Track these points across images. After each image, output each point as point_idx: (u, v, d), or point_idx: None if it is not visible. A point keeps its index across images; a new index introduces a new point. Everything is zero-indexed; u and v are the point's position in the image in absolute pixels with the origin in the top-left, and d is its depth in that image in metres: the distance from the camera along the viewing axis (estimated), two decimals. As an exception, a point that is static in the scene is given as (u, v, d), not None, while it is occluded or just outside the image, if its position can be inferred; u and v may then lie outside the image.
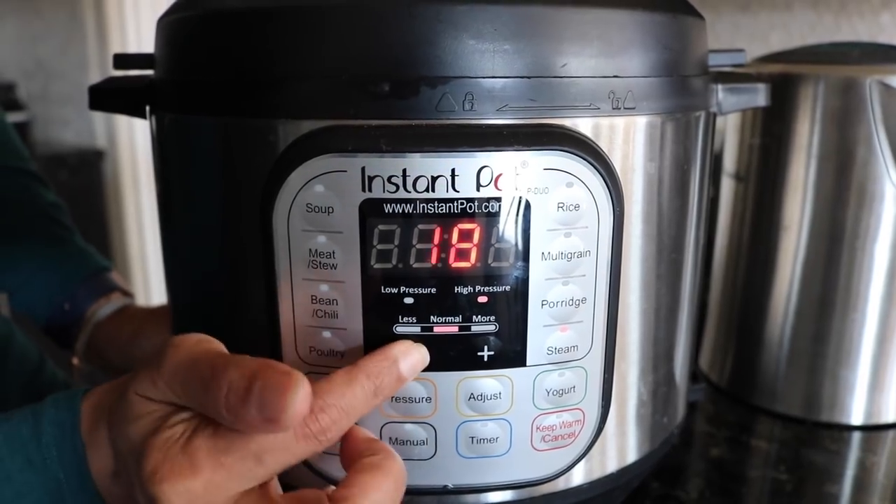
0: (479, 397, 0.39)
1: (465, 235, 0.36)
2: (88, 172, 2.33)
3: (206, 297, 0.44)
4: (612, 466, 0.45)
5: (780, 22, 1.44)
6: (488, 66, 0.35)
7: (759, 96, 0.49)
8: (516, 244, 0.36)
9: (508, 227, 0.36)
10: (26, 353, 0.70)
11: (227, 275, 0.42)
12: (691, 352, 0.52)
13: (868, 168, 0.60)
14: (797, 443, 0.63)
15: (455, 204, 0.35)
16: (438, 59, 0.35)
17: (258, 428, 0.32)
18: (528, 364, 0.39)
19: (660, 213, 0.42)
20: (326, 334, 0.38)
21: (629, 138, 0.39)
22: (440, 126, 0.35)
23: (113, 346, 0.68)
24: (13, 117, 2.49)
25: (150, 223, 2.25)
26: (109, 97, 0.48)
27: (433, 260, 0.36)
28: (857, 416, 0.65)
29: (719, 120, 0.49)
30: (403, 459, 0.39)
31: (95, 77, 2.25)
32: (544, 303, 0.38)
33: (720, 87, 0.47)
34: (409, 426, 0.39)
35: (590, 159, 0.36)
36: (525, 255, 0.37)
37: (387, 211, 0.35)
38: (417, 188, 0.35)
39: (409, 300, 0.37)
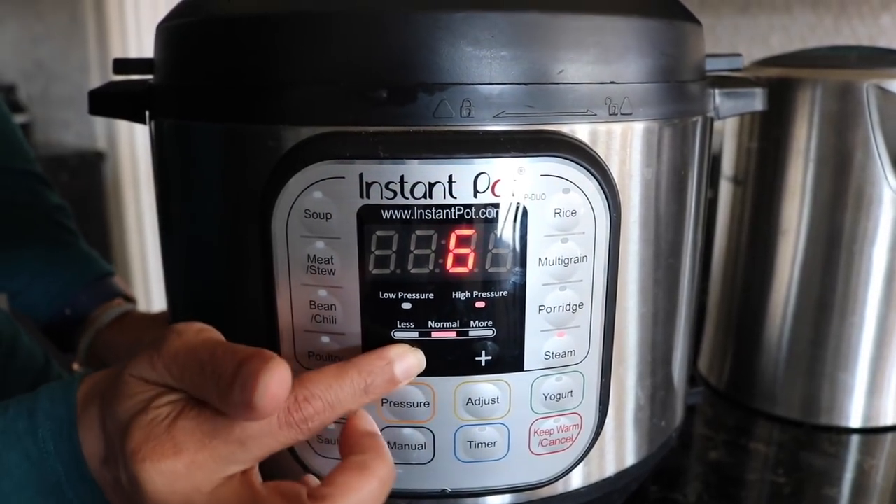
0: (477, 402, 0.39)
1: (463, 241, 0.36)
2: (89, 174, 2.33)
3: (204, 302, 0.45)
4: (610, 470, 0.45)
5: (780, 24, 1.44)
6: (486, 72, 0.35)
7: (757, 101, 0.49)
8: (513, 250, 0.37)
9: (506, 233, 0.36)
10: (32, 353, 0.70)
11: (225, 279, 0.42)
12: (689, 355, 0.52)
13: (865, 172, 0.60)
14: (795, 446, 0.63)
15: (452, 210, 0.36)
16: (436, 66, 0.35)
17: (242, 413, 0.32)
18: (525, 369, 0.39)
19: (657, 218, 0.42)
20: (325, 339, 0.38)
21: (626, 144, 0.39)
22: (438, 132, 0.35)
23: (114, 352, 0.68)
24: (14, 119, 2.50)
25: (151, 225, 2.25)
26: (109, 102, 0.48)
27: (431, 265, 0.36)
28: (855, 419, 0.66)
29: (717, 123, 0.49)
30: (402, 464, 0.40)
31: (96, 79, 2.26)
32: (542, 308, 0.38)
33: (717, 91, 0.47)
34: (407, 430, 0.39)
35: (586, 165, 0.37)
36: (522, 261, 0.37)
37: (385, 217, 0.36)
38: (415, 194, 0.35)
39: (406, 305, 0.37)
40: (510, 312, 0.38)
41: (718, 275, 0.74)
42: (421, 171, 0.35)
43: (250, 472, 0.35)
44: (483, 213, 0.36)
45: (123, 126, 2.24)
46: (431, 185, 0.35)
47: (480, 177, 0.35)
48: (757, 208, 0.68)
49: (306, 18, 0.36)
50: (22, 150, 0.76)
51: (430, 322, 0.37)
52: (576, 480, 0.44)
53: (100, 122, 2.33)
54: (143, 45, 2.17)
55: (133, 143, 2.28)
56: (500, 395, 0.39)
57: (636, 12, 0.39)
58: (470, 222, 0.36)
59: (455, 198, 0.35)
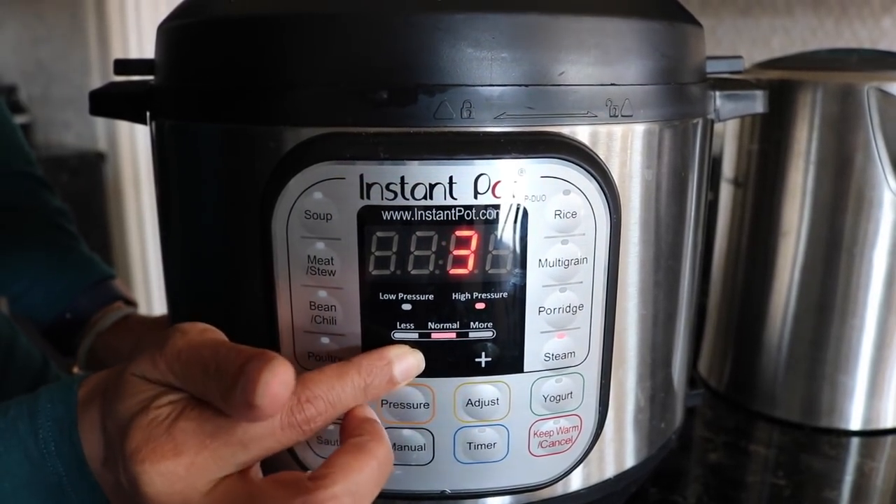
0: (477, 403, 0.39)
1: (463, 242, 0.36)
2: (89, 175, 2.33)
3: (204, 302, 0.45)
4: (609, 472, 0.45)
5: (782, 26, 1.44)
6: (486, 74, 0.35)
7: (758, 103, 0.49)
8: (514, 251, 0.37)
9: (506, 235, 0.36)
10: (30, 354, 0.70)
11: (225, 280, 0.42)
12: (689, 357, 0.52)
13: (866, 174, 0.61)
14: (796, 448, 0.63)
15: (453, 211, 0.36)
16: (436, 67, 0.35)
17: (244, 414, 0.32)
18: (525, 370, 0.39)
19: (657, 219, 0.42)
20: (325, 340, 0.38)
21: (627, 146, 0.39)
22: (438, 134, 0.35)
23: (114, 356, 0.68)
24: (14, 120, 2.50)
25: (151, 225, 2.25)
26: (110, 103, 0.48)
27: (431, 267, 0.36)
28: (855, 422, 0.66)
29: (718, 125, 0.49)
30: (401, 465, 0.40)
31: (97, 80, 2.26)
32: (541, 309, 0.38)
33: (718, 93, 0.47)
34: (406, 432, 0.39)
35: (587, 167, 0.37)
36: (522, 262, 0.37)
37: (385, 218, 0.36)
38: (415, 195, 0.35)
39: (406, 306, 0.37)
40: (510, 314, 0.38)
41: (718, 276, 0.74)
42: (421, 172, 0.35)
43: (249, 468, 0.35)
44: (483, 215, 0.36)
45: (124, 127, 2.24)
46: (432, 187, 0.35)
47: (481, 178, 0.35)
48: (757, 210, 0.68)
49: (307, 20, 0.36)
50: (23, 152, 0.76)
51: (429, 323, 0.37)
52: (575, 482, 0.44)
53: (100, 123, 2.33)
54: (143, 45, 2.17)
55: (134, 144, 2.28)
56: (499, 396, 0.39)
57: (637, 14, 0.39)
58: (470, 223, 0.36)
59: (455, 199, 0.35)
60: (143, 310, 0.74)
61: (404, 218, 0.36)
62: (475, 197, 0.36)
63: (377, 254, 0.36)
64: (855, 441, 0.65)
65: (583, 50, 0.37)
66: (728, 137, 0.71)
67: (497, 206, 0.36)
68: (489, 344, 0.38)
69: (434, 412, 0.39)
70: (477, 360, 0.38)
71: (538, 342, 0.38)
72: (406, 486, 0.40)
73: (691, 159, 0.44)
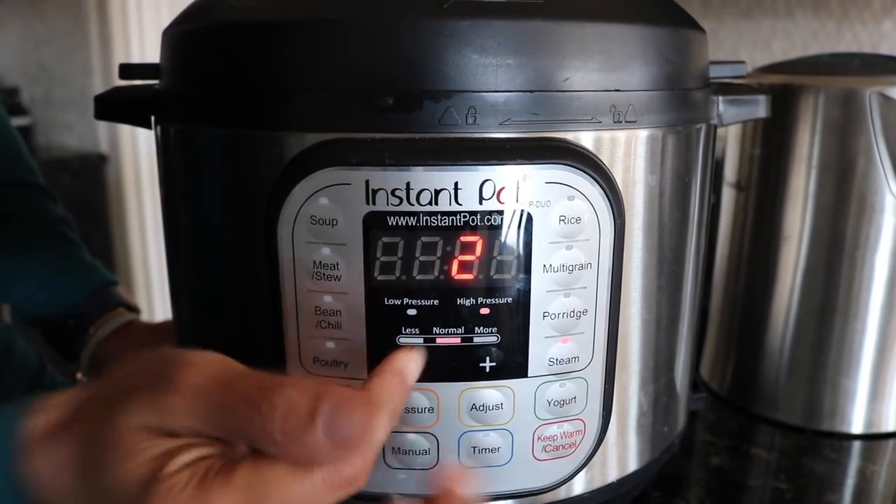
0: (481, 408, 0.39)
1: (468, 248, 0.36)
2: (91, 177, 2.33)
3: (210, 307, 0.45)
4: (612, 476, 0.45)
5: (783, 29, 1.44)
6: (491, 80, 0.36)
7: (760, 108, 0.49)
8: (518, 257, 0.37)
9: (510, 240, 0.36)
10: (27, 356, 0.71)
11: (231, 285, 0.42)
12: (692, 361, 0.52)
13: (868, 179, 0.61)
14: (797, 451, 0.63)
15: (458, 217, 0.36)
16: (442, 73, 0.35)
17: (323, 455, 0.28)
18: (529, 375, 0.39)
19: (661, 225, 0.42)
20: (330, 344, 0.38)
21: (630, 151, 0.39)
22: (443, 140, 0.36)
23: (116, 362, 0.68)
24: (16, 121, 2.50)
25: (153, 228, 2.25)
26: (115, 107, 0.49)
27: (436, 272, 0.37)
28: (857, 425, 0.66)
29: (720, 129, 0.49)
30: (406, 468, 0.40)
31: (98, 82, 2.26)
32: (546, 314, 0.38)
33: (721, 99, 0.47)
34: (411, 436, 0.39)
35: (591, 173, 0.37)
36: (527, 268, 0.37)
37: (390, 223, 0.36)
38: (421, 201, 0.35)
39: (412, 311, 0.37)
40: (514, 319, 0.38)
41: (720, 280, 0.74)
42: (427, 178, 0.35)
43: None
44: (488, 220, 0.36)
45: (125, 129, 2.24)
46: (437, 192, 0.35)
47: (486, 184, 0.35)
48: (759, 214, 0.68)
49: (313, 25, 0.36)
50: (24, 161, 0.76)
51: (434, 328, 0.37)
52: (578, 486, 0.44)
53: (102, 125, 2.33)
54: (145, 48, 2.17)
55: (135, 146, 2.28)
56: (504, 401, 0.39)
57: (641, 20, 0.39)
58: (475, 229, 0.36)
59: (460, 205, 0.36)
60: (144, 312, 0.74)
61: (409, 223, 0.36)
62: (480, 203, 0.36)
63: (382, 259, 0.36)
64: (857, 444, 0.65)
65: (587, 56, 0.37)
66: (730, 141, 0.71)
67: (501, 212, 0.36)
68: (494, 349, 0.38)
69: (438, 416, 0.39)
70: (481, 364, 0.38)
71: (542, 347, 0.39)
72: (410, 490, 0.40)
73: (694, 164, 0.44)
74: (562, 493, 0.43)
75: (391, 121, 0.36)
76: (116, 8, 2.17)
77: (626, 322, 0.42)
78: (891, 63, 0.65)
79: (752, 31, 1.48)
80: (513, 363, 0.38)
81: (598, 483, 0.45)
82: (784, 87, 0.63)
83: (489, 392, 0.39)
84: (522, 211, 0.36)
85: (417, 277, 0.37)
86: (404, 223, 0.36)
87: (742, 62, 0.49)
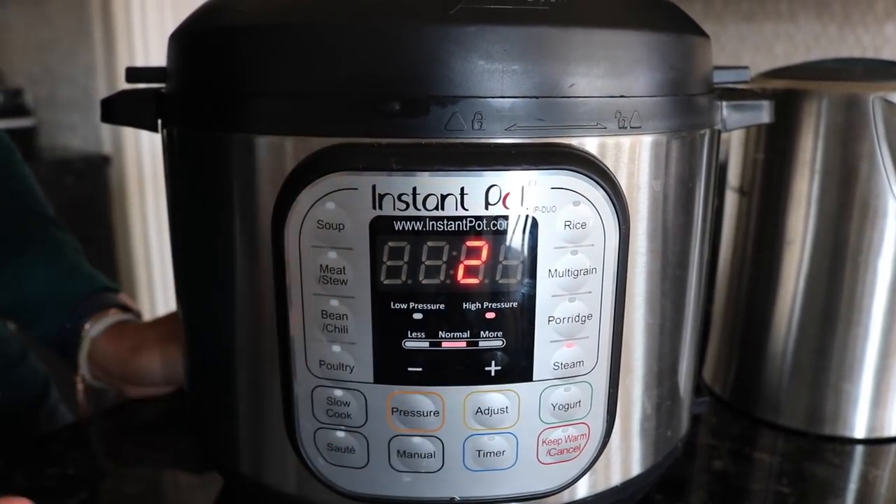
0: (487, 411, 0.39)
1: (474, 253, 0.36)
2: (94, 178, 2.34)
3: (216, 311, 0.45)
4: (616, 479, 0.46)
5: (785, 32, 1.44)
6: (497, 86, 0.36)
7: (764, 113, 0.50)
8: (524, 261, 0.37)
9: (516, 245, 0.37)
10: (9, 343, 0.71)
11: (237, 289, 0.43)
12: (695, 366, 0.52)
13: (871, 184, 0.61)
14: (800, 456, 0.63)
15: (464, 222, 0.36)
16: (448, 79, 0.36)
17: None
18: (534, 379, 0.39)
19: (665, 230, 0.43)
20: (336, 348, 0.38)
21: (635, 157, 0.40)
22: (450, 145, 0.36)
23: (113, 360, 0.68)
24: (20, 123, 2.51)
25: (155, 229, 2.26)
26: (121, 110, 0.49)
27: (442, 276, 0.37)
28: (859, 430, 0.66)
29: (724, 133, 0.49)
30: (411, 472, 0.40)
31: (102, 83, 2.27)
32: (551, 319, 0.38)
33: (725, 104, 0.47)
34: (416, 439, 0.40)
35: (596, 178, 0.37)
36: (532, 273, 0.37)
37: (397, 228, 0.36)
38: (427, 206, 0.36)
39: (418, 315, 0.37)
40: (520, 323, 0.38)
41: (723, 284, 0.74)
42: (433, 183, 0.35)
43: None
44: (494, 225, 0.36)
45: (129, 131, 2.24)
46: (443, 197, 0.35)
47: (492, 189, 0.36)
48: (762, 219, 0.68)
49: (319, 30, 0.37)
50: (34, 194, 0.78)
51: (440, 332, 0.38)
52: (582, 489, 0.44)
53: (105, 127, 2.34)
54: (149, 49, 2.18)
55: (138, 148, 2.29)
56: (509, 404, 0.39)
57: (646, 26, 0.39)
58: (481, 234, 0.36)
59: (466, 210, 0.36)
60: (146, 312, 0.75)
61: (416, 228, 0.36)
62: (486, 208, 0.36)
63: (389, 263, 0.37)
64: (859, 449, 0.65)
65: (593, 62, 0.37)
66: (733, 146, 0.72)
67: (507, 217, 0.36)
68: (499, 353, 0.38)
69: (444, 420, 0.39)
70: (487, 368, 0.38)
71: (547, 351, 0.39)
72: (416, 493, 0.41)
73: (698, 170, 0.45)
74: (566, 496, 0.43)
75: (398, 126, 0.36)
76: (120, 10, 2.18)
77: (630, 326, 0.42)
78: (894, 69, 0.65)
79: (755, 35, 1.48)
80: (518, 367, 0.39)
81: (601, 487, 0.45)
82: (787, 93, 0.63)
83: (494, 396, 0.39)
84: (528, 216, 0.36)
85: (423, 282, 0.37)
86: (411, 228, 0.36)
87: (746, 67, 0.49)
